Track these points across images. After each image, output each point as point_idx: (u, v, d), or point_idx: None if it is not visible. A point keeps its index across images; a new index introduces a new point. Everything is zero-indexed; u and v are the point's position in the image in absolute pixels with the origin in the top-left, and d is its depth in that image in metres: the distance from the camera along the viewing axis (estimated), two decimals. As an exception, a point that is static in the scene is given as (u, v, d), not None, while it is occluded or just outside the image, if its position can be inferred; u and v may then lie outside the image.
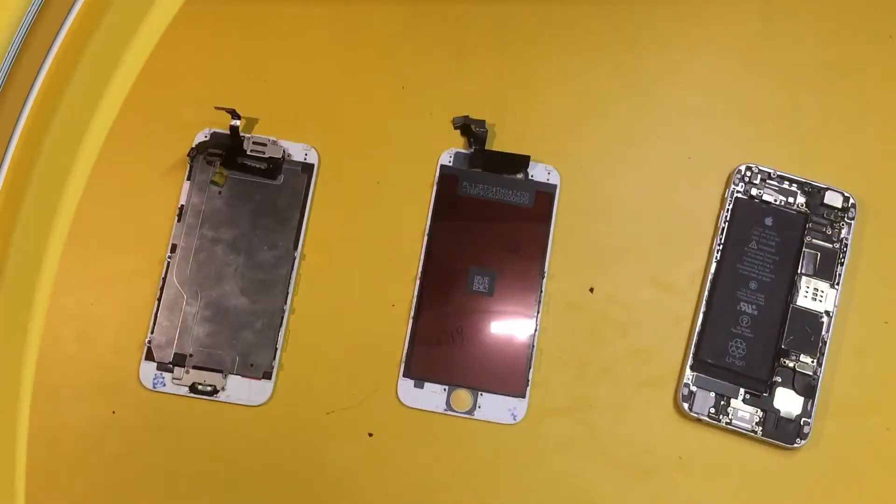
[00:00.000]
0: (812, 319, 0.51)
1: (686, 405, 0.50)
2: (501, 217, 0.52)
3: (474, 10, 0.55)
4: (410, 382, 0.51)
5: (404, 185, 0.53)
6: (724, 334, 0.51)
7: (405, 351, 0.51)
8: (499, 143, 0.54)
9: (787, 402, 0.50)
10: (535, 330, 0.51)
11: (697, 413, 0.50)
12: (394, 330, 0.51)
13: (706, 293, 0.51)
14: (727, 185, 0.53)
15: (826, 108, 0.55)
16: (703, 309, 0.51)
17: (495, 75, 0.55)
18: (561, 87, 0.55)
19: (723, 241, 0.52)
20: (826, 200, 0.52)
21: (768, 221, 0.52)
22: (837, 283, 0.51)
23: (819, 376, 0.50)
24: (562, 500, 0.50)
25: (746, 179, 0.52)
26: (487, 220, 0.52)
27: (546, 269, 0.52)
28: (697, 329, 0.51)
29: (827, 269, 0.51)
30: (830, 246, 0.52)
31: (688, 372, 0.51)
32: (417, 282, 0.51)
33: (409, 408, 0.50)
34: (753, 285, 0.51)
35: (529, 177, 0.53)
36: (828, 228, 0.52)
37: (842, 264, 0.52)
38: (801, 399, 0.50)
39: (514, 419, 0.50)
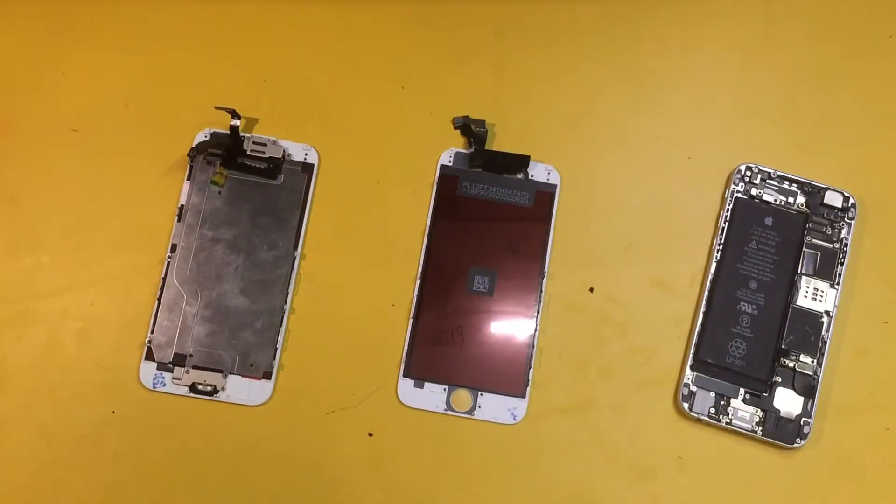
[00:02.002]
0: (812, 319, 0.51)
1: (686, 405, 0.50)
2: (501, 217, 0.52)
3: (474, 10, 0.55)
4: (410, 382, 0.51)
5: (404, 185, 0.53)
6: (724, 334, 0.51)
7: (405, 351, 0.51)
8: (499, 143, 0.54)
9: (787, 401, 0.50)
10: (535, 330, 0.51)
11: (697, 413, 0.50)
12: (394, 330, 0.51)
13: (706, 293, 0.51)
14: (727, 185, 0.53)
15: (826, 108, 0.55)
16: (703, 309, 0.51)
17: (495, 75, 0.55)
18: (561, 87, 0.55)
19: (723, 241, 0.52)
20: (826, 200, 0.52)
21: (768, 221, 0.52)
22: (837, 283, 0.51)
23: (819, 376, 0.50)
24: (562, 500, 0.50)
25: (746, 179, 0.52)
26: (487, 220, 0.52)
27: (546, 269, 0.52)
28: (697, 329, 0.51)
29: (827, 269, 0.51)
30: (830, 246, 0.52)
31: (688, 372, 0.50)
32: (417, 282, 0.51)
33: (409, 408, 0.50)
34: (753, 285, 0.51)
35: (529, 177, 0.53)
36: (828, 228, 0.52)
37: (842, 264, 0.52)
38: (801, 399, 0.50)
39: (514, 419, 0.50)
